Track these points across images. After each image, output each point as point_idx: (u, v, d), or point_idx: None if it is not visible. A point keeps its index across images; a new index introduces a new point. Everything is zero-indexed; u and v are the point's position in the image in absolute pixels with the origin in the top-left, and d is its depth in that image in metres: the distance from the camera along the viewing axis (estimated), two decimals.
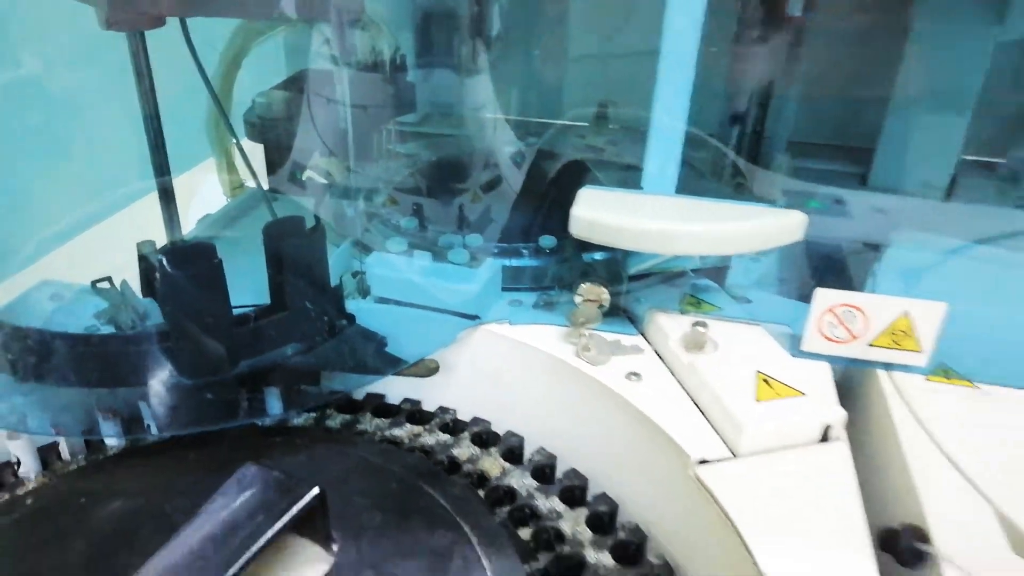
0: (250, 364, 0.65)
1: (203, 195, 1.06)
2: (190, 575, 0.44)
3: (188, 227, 0.94)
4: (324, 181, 1.00)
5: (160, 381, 0.64)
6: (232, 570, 0.46)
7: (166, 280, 0.62)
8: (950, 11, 0.92)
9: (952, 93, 1.00)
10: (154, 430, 0.64)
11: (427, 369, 0.69)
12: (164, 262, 0.61)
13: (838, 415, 0.59)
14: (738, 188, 0.95)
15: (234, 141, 0.92)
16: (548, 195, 0.85)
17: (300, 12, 0.64)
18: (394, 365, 0.68)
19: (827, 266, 0.85)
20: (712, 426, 0.60)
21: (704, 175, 0.94)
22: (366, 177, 0.94)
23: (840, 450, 0.58)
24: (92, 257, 0.86)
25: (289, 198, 0.94)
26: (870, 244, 0.89)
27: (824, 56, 1.06)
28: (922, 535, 0.52)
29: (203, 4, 0.64)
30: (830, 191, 1.01)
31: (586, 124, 1.15)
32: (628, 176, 0.79)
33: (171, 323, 0.63)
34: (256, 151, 0.99)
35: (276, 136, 0.95)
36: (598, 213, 0.63)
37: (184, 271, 0.61)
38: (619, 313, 0.73)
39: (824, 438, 0.59)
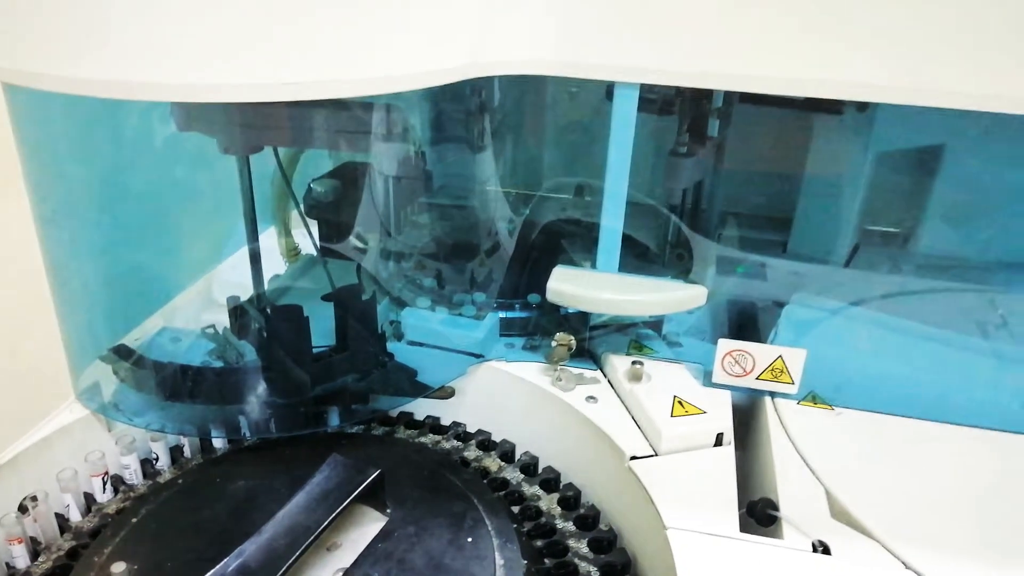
0: (323, 389, 0.93)
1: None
2: (296, 526, 0.72)
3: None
4: (365, 248, 1.29)
5: (257, 400, 0.92)
6: (324, 524, 0.73)
7: (271, 327, 0.90)
8: (840, 124, 1.22)
9: (846, 180, 1.28)
10: (248, 435, 0.92)
11: (446, 393, 0.96)
12: (271, 312, 0.89)
13: (727, 426, 0.87)
14: (679, 258, 1.23)
15: (296, 213, 1.21)
16: (531, 258, 1.13)
17: (355, 148, 0.93)
18: (422, 390, 0.96)
19: (743, 318, 1.13)
20: (643, 434, 0.88)
21: (648, 248, 1.23)
22: (398, 244, 1.22)
23: (727, 451, 0.86)
24: (192, 308, 1.14)
25: (337, 262, 1.22)
26: (778, 302, 1.17)
27: (747, 147, 1.35)
28: (774, 505, 0.80)
29: (307, 140, 0.93)
30: (756, 258, 1.30)
31: (567, 197, 1.44)
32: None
33: (268, 359, 0.91)
34: (312, 225, 1.27)
35: (326, 213, 1.23)
36: (566, 286, 0.92)
37: (282, 322, 0.89)
38: (584, 354, 1.01)
39: (718, 443, 0.87)
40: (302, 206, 1.26)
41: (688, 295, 0.93)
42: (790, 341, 1.04)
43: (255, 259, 1.06)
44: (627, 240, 1.03)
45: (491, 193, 1.26)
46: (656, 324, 1.05)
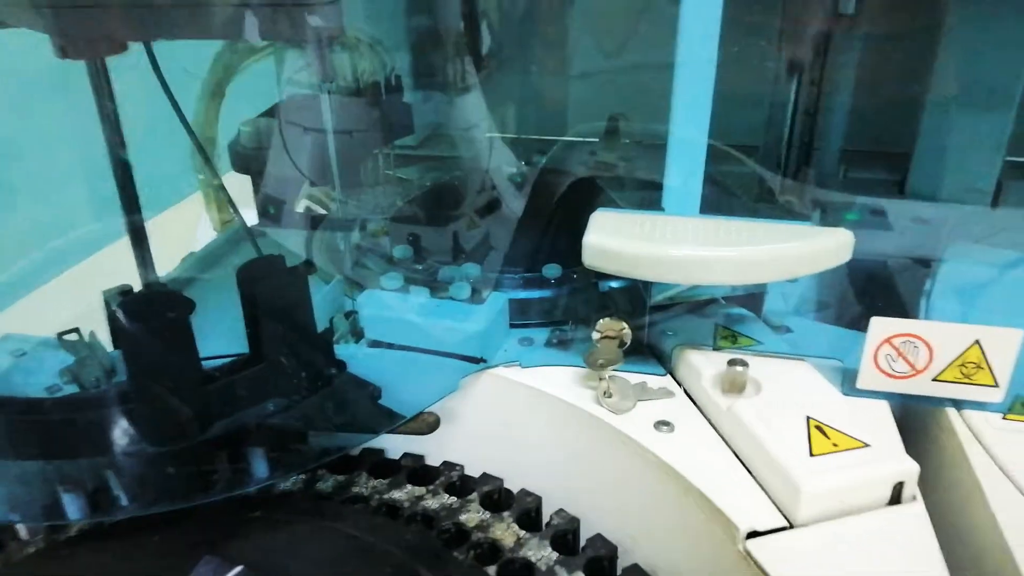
0: (225, 425, 0.57)
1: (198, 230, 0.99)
2: None
3: (171, 267, 0.87)
4: (316, 213, 0.93)
5: (123, 449, 0.56)
6: None
7: (123, 333, 0.54)
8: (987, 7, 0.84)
9: (993, 90, 0.91)
10: (123, 504, 0.56)
11: (426, 425, 0.60)
12: (120, 313, 0.54)
13: (910, 469, 0.50)
14: (764, 202, 0.86)
15: (212, 175, 0.85)
16: (555, 218, 0.76)
17: (266, 34, 0.56)
18: (389, 420, 0.60)
19: (873, 286, 0.76)
20: (760, 486, 0.51)
21: (729, 189, 0.86)
22: (359, 207, 0.86)
23: (916, 513, 0.49)
24: (63, 307, 0.78)
25: (278, 233, 0.86)
26: (918, 259, 0.80)
27: (858, 57, 0.98)
28: None
29: (158, 27, 0.57)
30: (867, 201, 0.92)
31: (595, 140, 1.07)
32: (646, 196, 0.72)
33: (131, 382, 0.55)
34: (244, 183, 0.92)
35: (264, 167, 0.87)
36: (614, 240, 0.54)
37: (144, 322, 0.53)
38: (643, 350, 0.65)
39: (895, 499, 0.50)
40: (230, 155, 0.90)
41: (829, 244, 0.56)
42: (955, 318, 0.67)
43: (136, 233, 0.70)
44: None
45: (483, 134, 0.89)
46: (751, 299, 0.68)
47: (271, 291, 0.58)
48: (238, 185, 0.92)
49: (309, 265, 0.72)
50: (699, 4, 0.52)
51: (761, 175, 0.90)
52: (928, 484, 0.57)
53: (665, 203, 0.57)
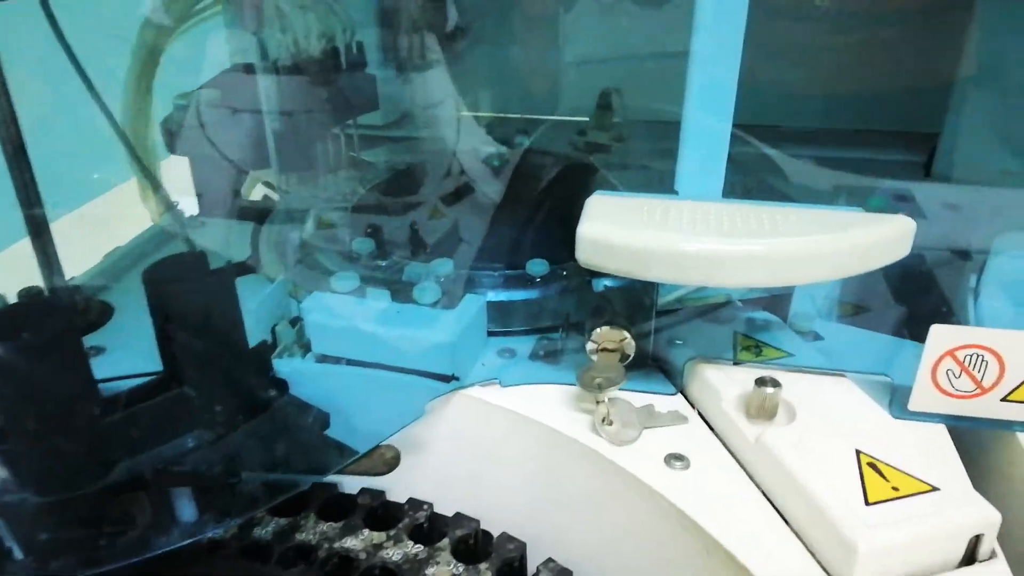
0: (130, 467, 0.46)
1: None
2: None
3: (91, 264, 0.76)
4: (265, 201, 0.81)
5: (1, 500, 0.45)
6: None
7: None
8: None
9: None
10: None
11: (383, 462, 0.49)
12: None
13: (990, 519, 0.40)
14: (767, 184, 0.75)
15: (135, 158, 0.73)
16: (542, 206, 0.65)
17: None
18: (338, 457, 0.49)
19: (911, 283, 0.65)
20: (801, 541, 0.41)
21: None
22: (313, 194, 0.74)
23: (999, 573, 0.39)
24: None
25: (219, 224, 0.75)
26: (958, 251, 0.70)
27: (874, 31, 0.88)
28: None
29: None
30: (891, 184, 0.82)
31: (585, 119, 0.96)
32: (642, 179, 0.61)
33: (6, 416, 0.43)
34: (181, 167, 0.80)
35: (203, 148, 0.76)
36: (616, 231, 0.43)
37: (18, 340, 0.42)
38: (648, 364, 0.54)
39: (971, 557, 0.40)
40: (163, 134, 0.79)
41: (889, 234, 0.45)
42: (1007, 321, 0.57)
43: (36, 228, 0.58)
44: None
45: (450, 113, 0.78)
46: (775, 302, 0.57)
47: (188, 297, 0.47)
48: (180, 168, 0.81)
49: (241, 265, 0.61)
50: None
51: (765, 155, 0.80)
52: (1000, 530, 0.47)
53: (679, 184, 0.46)
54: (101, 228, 0.85)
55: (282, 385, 0.52)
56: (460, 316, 0.53)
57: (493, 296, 0.58)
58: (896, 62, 0.93)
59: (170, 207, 0.72)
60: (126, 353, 0.55)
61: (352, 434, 0.51)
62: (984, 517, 0.39)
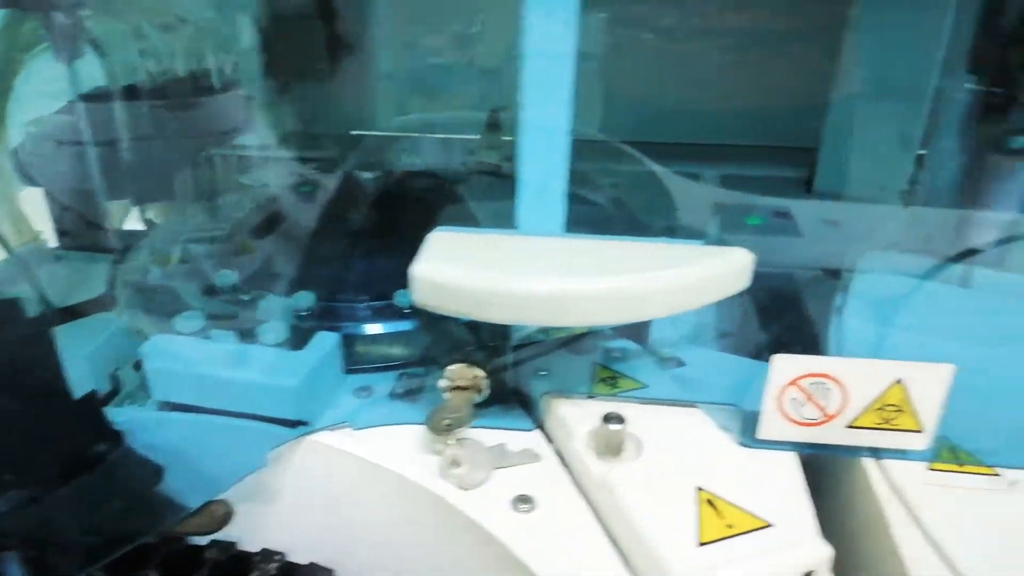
0: None
1: None
2: None
3: None
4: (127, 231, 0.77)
5: None
6: None
7: None
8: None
9: (905, 77, 0.83)
10: None
11: (214, 519, 0.47)
12: None
13: (822, 556, 0.39)
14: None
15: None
16: (400, 230, 0.64)
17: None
18: (169, 513, 0.46)
19: (778, 305, 0.66)
20: None
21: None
22: (179, 224, 0.71)
23: None
24: None
25: (77, 257, 0.71)
26: (828, 269, 0.71)
27: (755, 49, 0.90)
28: None
29: None
30: (771, 202, 0.83)
31: (466, 136, 0.95)
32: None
33: None
34: (36, 198, 0.76)
35: (55, 178, 0.72)
36: (450, 271, 0.42)
37: None
38: (508, 398, 0.53)
39: None
40: (16, 166, 0.74)
41: (725, 268, 0.44)
42: (869, 342, 0.57)
43: None
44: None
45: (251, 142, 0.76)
46: (637, 329, 0.56)
47: (1, 347, 0.44)
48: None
49: (69, 310, 0.57)
50: None
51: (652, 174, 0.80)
52: (844, 555, 0.47)
53: (519, 220, 0.45)
54: None
55: (115, 437, 0.49)
56: (308, 356, 0.51)
57: (353, 330, 0.56)
58: (778, 79, 0.95)
59: (9, 246, 0.67)
60: None
61: (189, 487, 0.48)
62: (815, 554, 0.39)
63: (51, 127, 0.70)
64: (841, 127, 0.88)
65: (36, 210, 0.78)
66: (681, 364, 0.56)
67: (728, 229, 0.75)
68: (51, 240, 0.77)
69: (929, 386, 0.45)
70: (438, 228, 0.47)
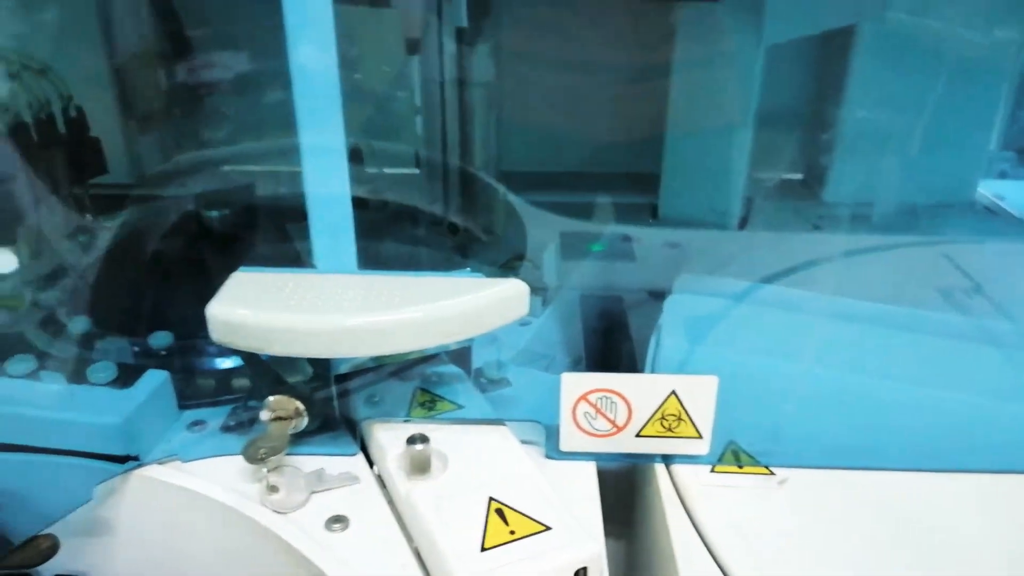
0: None
1: None
2: None
3: None
4: None
5: None
6: None
7: None
8: (712, 18, 0.83)
9: (730, 106, 0.90)
10: None
11: (38, 553, 0.48)
12: None
13: (592, 553, 0.44)
14: (451, 230, 0.80)
15: None
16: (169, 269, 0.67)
17: None
18: None
19: (605, 325, 0.71)
20: None
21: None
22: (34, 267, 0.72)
23: None
24: None
25: None
26: (655, 292, 0.77)
27: (595, 79, 0.96)
28: None
29: None
30: (618, 229, 0.89)
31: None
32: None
33: None
34: None
35: None
36: (241, 310, 0.45)
37: None
38: (336, 426, 0.56)
39: None
40: None
41: (498, 297, 0.49)
42: (680, 358, 0.63)
43: None
44: (401, 215, 0.60)
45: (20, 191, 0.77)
46: (460, 355, 0.61)
47: None
48: None
49: None
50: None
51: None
52: (644, 549, 0.52)
53: (316, 258, 0.49)
54: None
55: None
56: (136, 394, 0.53)
57: (190, 367, 0.58)
58: (623, 108, 1.01)
59: None
60: None
61: (20, 523, 0.50)
62: (585, 552, 0.44)
63: None
64: (677, 154, 0.94)
65: None
66: (507, 384, 0.60)
67: (570, 256, 0.80)
68: None
69: (700, 396, 0.50)
70: (240, 268, 0.50)
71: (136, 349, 0.59)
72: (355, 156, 0.97)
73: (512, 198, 0.90)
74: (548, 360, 0.66)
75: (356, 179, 0.99)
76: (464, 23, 0.67)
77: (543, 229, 0.86)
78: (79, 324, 0.61)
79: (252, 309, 0.44)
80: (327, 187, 0.46)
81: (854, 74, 0.92)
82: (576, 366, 0.66)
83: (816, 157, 1.01)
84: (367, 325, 0.44)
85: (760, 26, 0.79)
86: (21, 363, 0.55)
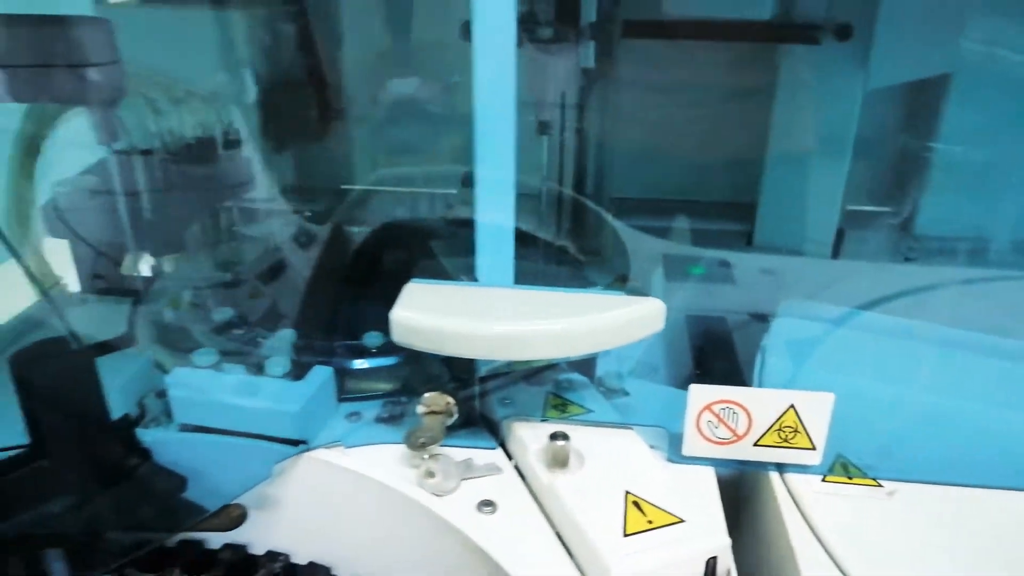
0: (2, 532, 0.51)
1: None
2: None
3: None
4: (141, 278, 0.87)
5: None
6: None
7: None
8: (815, 59, 0.88)
9: (827, 139, 0.95)
10: None
11: (230, 519, 0.56)
12: None
13: (722, 544, 0.49)
14: (601, 258, 0.86)
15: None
16: (379, 277, 0.74)
17: (40, 95, 0.52)
18: (191, 515, 0.55)
19: (711, 344, 0.76)
20: (578, 569, 0.49)
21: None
22: (190, 272, 0.81)
23: None
24: None
25: (96, 301, 0.81)
26: (757, 314, 0.81)
27: (698, 112, 1.01)
28: None
29: None
30: (715, 254, 0.94)
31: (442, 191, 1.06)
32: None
33: None
34: (62, 249, 0.85)
35: (81, 231, 0.82)
36: (422, 316, 0.52)
37: None
38: (476, 422, 0.62)
39: (709, 574, 0.49)
40: (45, 221, 0.84)
41: (639, 314, 0.55)
42: (787, 376, 0.67)
43: None
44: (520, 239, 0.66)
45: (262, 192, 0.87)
46: (585, 364, 0.67)
47: (52, 378, 0.53)
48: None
49: (105, 344, 0.67)
50: (490, 38, 0.51)
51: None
52: (756, 551, 0.57)
53: (479, 274, 0.56)
54: None
55: (144, 453, 0.58)
56: (306, 387, 0.61)
57: (343, 365, 0.66)
58: (723, 142, 1.06)
59: (46, 291, 0.77)
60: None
61: (207, 495, 0.57)
62: (716, 543, 0.49)
63: (81, 185, 0.80)
64: (775, 184, 0.99)
65: (58, 259, 0.88)
66: (626, 395, 0.66)
67: (673, 279, 0.86)
68: (72, 285, 0.86)
69: (816, 410, 0.55)
70: (413, 280, 0.57)
71: (300, 345, 0.66)
72: (466, 181, 1.05)
73: (616, 222, 0.96)
74: (659, 373, 0.72)
75: (464, 201, 1.07)
76: (592, 64, 0.73)
77: (644, 251, 0.92)
78: (259, 324, 0.69)
79: (433, 316, 0.51)
80: (495, 215, 0.52)
81: (948, 112, 0.96)
82: (685, 380, 0.71)
83: (907, 192, 1.04)
84: (530, 333, 0.51)
85: (865, 71, 0.84)
86: (205, 356, 0.63)
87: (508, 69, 0.48)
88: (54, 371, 0.53)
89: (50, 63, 0.49)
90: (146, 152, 0.82)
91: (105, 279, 0.83)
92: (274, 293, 0.71)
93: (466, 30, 0.48)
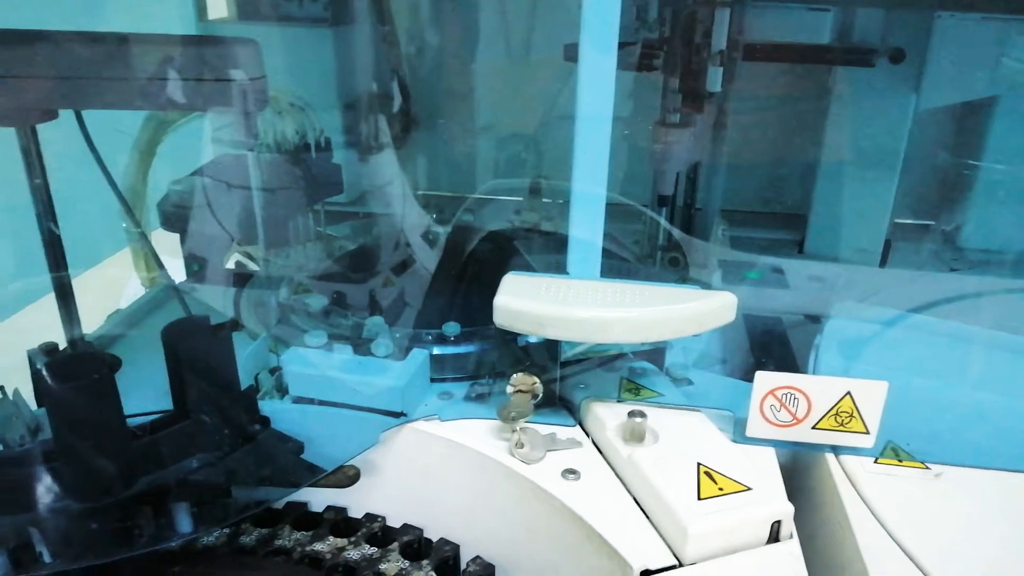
0: (150, 481, 0.59)
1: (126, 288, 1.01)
2: None
3: (96, 324, 0.88)
4: (245, 270, 0.96)
5: (48, 506, 0.57)
6: None
7: (48, 393, 0.56)
8: (870, 80, 0.94)
9: (878, 156, 1.01)
10: (47, 559, 0.57)
11: (346, 478, 0.63)
12: (46, 373, 0.56)
13: (786, 510, 0.55)
14: (672, 263, 0.93)
15: (139, 231, 0.88)
16: (467, 273, 0.81)
17: (192, 103, 0.60)
18: (311, 474, 0.63)
19: (768, 340, 0.82)
20: (655, 528, 0.56)
21: (635, 250, 0.93)
22: (286, 264, 0.89)
23: (792, 551, 0.54)
24: None
25: (206, 290, 0.89)
26: (811, 316, 0.87)
27: (752, 125, 1.07)
28: None
29: (87, 97, 0.60)
30: (768, 260, 1.00)
31: (508, 198, 1.13)
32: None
33: (56, 440, 0.57)
34: (172, 241, 0.94)
35: (195, 225, 0.90)
36: (522, 302, 0.59)
37: (69, 382, 0.55)
38: (555, 403, 0.69)
39: (774, 537, 0.55)
40: (159, 214, 0.93)
41: (715, 305, 0.62)
42: (839, 371, 0.73)
43: (63, 289, 0.71)
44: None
45: (396, 193, 0.95)
46: (655, 354, 0.73)
47: (195, 350, 0.61)
48: (168, 242, 0.95)
49: (234, 324, 0.75)
50: (595, 62, 0.58)
51: (669, 236, 0.97)
52: (811, 523, 0.63)
53: (570, 267, 0.63)
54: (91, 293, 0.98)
55: (265, 420, 0.66)
56: (407, 366, 0.68)
57: (437, 350, 0.73)
58: (776, 155, 1.13)
59: (166, 277, 0.85)
60: (129, 396, 0.68)
61: (322, 458, 0.65)
62: (782, 508, 0.55)
63: (195, 184, 0.89)
64: (826, 195, 1.05)
65: (165, 250, 0.97)
66: (690, 383, 0.73)
67: (730, 282, 0.92)
68: (178, 276, 0.95)
69: (871, 398, 0.61)
70: (511, 272, 0.65)
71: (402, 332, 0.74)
72: (534, 191, 1.12)
73: (675, 232, 1.02)
74: (721, 365, 0.78)
75: (531, 208, 1.14)
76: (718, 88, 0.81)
77: (702, 256, 0.98)
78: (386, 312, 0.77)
79: (531, 302, 0.59)
80: (587, 227, 0.60)
81: (994, 132, 1.01)
82: (744, 372, 0.77)
83: (953, 206, 1.09)
84: (622, 318, 0.58)
85: (916, 92, 0.90)
86: (316, 337, 0.71)
87: (607, 91, 0.55)
88: (197, 345, 0.61)
89: (221, 77, 0.57)
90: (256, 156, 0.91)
91: (210, 269, 0.91)
92: (401, 283, 0.79)
93: (571, 52, 0.56)
